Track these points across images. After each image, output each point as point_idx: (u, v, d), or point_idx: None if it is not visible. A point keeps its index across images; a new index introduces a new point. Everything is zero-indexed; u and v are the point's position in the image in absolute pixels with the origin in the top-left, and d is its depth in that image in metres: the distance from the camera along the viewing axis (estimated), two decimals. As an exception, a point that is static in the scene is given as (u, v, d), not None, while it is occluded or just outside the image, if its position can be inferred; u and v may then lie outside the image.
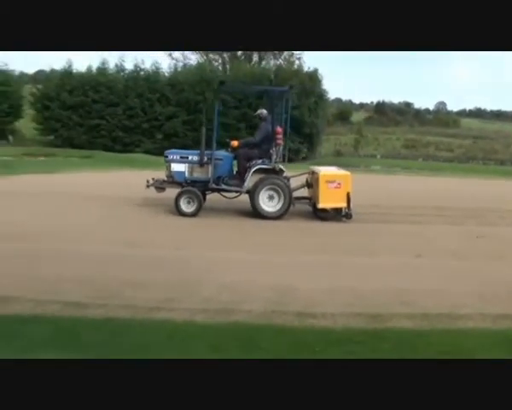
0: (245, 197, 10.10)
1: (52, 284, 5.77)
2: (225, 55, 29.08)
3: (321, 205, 9.76)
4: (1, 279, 5.87)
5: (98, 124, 21.77)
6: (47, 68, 25.37)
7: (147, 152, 20.88)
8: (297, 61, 27.61)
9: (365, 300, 5.70)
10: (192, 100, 21.57)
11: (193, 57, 29.31)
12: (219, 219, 9.76)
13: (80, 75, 22.47)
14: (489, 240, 8.80)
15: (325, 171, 10.14)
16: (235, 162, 10.24)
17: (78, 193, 11.43)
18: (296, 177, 10.49)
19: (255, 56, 29.55)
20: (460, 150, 29.86)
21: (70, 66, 22.56)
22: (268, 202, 9.79)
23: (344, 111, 49.03)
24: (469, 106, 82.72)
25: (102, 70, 22.53)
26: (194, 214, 9.64)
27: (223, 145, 10.45)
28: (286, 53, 28.89)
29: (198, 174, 10.04)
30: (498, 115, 69.44)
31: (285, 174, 10.08)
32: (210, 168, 9.90)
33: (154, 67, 22.92)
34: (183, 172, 9.99)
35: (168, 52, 29.15)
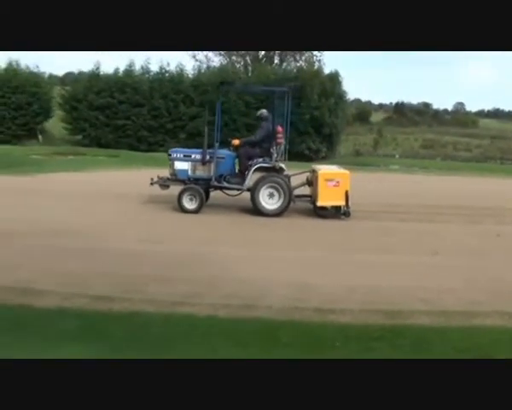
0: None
1: (80, 279, 6.00)
2: (247, 57, 29.55)
3: (320, 203, 9.92)
4: (31, 274, 6.14)
5: (124, 124, 22.35)
6: (75, 70, 26.10)
7: (170, 151, 21.36)
8: (317, 63, 27.96)
9: (383, 297, 5.79)
10: (215, 101, 22.14)
11: (216, 59, 29.75)
12: (236, 216, 9.91)
13: (107, 77, 23.09)
14: (507, 238, 8.82)
15: (324, 169, 10.35)
16: (237, 161, 10.41)
17: (105, 191, 11.72)
18: (297, 175, 10.62)
19: (276, 58, 29.99)
20: (478, 150, 29.78)
21: (97, 68, 23.16)
22: (268, 200, 9.93)
23: (363, 111, 49.16)
24: (488, 106, 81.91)
25: (129, 72, 23.16)
26: (196, 211, 9.82)
27: (226, 144, 10.57)
28: (306, 54, 29.27)
29: (200, 172, 10.23)
30: (517, 115, 68.70)
31: (286, 173, 10.20)
32: (212, 166, 10.13)
33: (178, 69, 23.46)
34: (186, 170, 10.21)
35: (192, 54, 29.72)
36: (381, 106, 69.09)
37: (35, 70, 24.05)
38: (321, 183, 9.83)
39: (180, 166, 10.28)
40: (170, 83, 22.77)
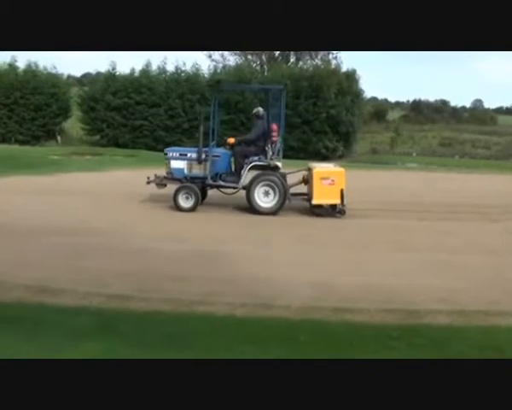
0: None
1: (97, 278, 6.05)
2: (263, 56, 29.54)
3: (315, 201, 9.84)
4: (49, 272, 6.22)
5: (141, 124, 22.49)
6: (93, 71, 26.28)
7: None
8: (334, 61, 27.85)
9: (401, 296, 5.74)
10: (232, 100, 22.14)
11: (231, 59, 29.80)
12: (249, 216, 9.81)
13: (123, 77, 23.25)
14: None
15: (319, 168, 10.25)
16: (233, 159, 10.40)
17: (122, 190, 11.83)
18: (293, 173, 10.57)
19: (292, 57, 29.94)
20: (497, 147, 29.41)
21: (114, 68, 23.37)
22: (263, 198, 9.90)
23: (380, 110, 48.80)
24: (507, 103, 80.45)
25: (145, 72, 23.29)
26: (191, 209, 9.85)
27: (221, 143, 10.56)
28: (322, 53, 29.19)
29: (196, 171, 10.25)
30: (537, 112, 67.72)
31: (281, 171, 10.16)
32: (208, 165, 10.15)
33: (194, 69, 23.56)
34: (182, 169, 10.25)
35: (208, 54, 29.81)
36: (397, 104, 68.56)
37: (53, 71, 24.31)
38: (316, 181, 9.78)
39: (176, 164, 10.34)
40: (186, 83, 22.84)
